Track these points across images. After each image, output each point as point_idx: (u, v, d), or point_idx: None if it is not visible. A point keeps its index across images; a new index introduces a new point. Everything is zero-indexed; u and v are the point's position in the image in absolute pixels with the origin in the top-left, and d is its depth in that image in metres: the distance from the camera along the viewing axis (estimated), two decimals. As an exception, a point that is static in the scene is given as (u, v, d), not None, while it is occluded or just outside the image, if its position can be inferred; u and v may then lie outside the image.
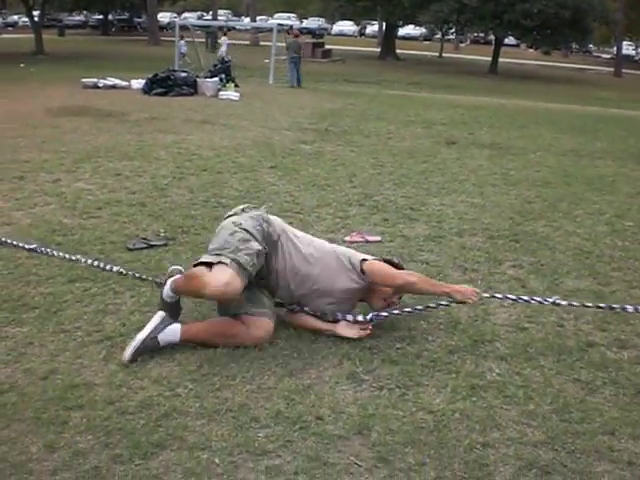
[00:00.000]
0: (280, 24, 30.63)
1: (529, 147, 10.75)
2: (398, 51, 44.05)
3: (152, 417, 3.03)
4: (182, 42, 25.17)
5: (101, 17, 56.59)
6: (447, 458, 2.90)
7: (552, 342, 3.97)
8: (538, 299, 4.13)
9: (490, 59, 39.07)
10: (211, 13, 51.84)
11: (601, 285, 5.04)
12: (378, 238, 5.65)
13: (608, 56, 63.96)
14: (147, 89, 15.63)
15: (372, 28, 66.28)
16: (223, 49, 27.77)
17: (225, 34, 31.16)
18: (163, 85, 15.63)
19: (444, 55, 48.17)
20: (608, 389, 3.53)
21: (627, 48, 59.79)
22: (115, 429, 2.94)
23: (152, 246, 5.14)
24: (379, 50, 45.34)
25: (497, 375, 3.57)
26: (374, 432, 3.00)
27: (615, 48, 51.43)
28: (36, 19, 32.41)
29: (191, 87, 16.06)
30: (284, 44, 23.07)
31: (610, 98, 25.64)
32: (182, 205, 6.31)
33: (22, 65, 23.18)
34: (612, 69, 47.21)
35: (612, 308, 4.17)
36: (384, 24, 47.04)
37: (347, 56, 39.58)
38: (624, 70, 46.22)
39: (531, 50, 52.38)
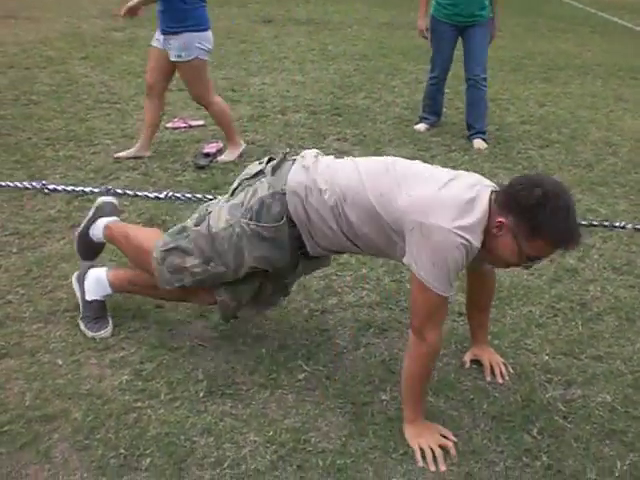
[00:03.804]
0: None
1: (345, 21, 10.75)
2: None
3: (-15, 327, 2.92)
4: None
5: None
6: (288, 328, 2.99)
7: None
8: None
9: None
10: None
11: (422, 151, 5.24)
12: (201, 122, 5.54)
13: None
14: None
15: None
16: None
17: None
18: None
19: None
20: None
21: None
22: (-54, 342, 2.81)
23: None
24: None
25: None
26: (214, 315, 3.01)
27: None
28: None
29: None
30: None
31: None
32: (-10, 105, 5.89)
33: None
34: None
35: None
36: None
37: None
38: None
39: None
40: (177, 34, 4.49)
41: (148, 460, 2.27)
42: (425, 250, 2.22)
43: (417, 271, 2.23)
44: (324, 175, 2.48)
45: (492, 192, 2.32)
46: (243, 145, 4.94)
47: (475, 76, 5.50)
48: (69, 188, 4.21)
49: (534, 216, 2.16)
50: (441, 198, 2.26)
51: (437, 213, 2.21)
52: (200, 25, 4.58)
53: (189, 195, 4.19)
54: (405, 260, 2.29)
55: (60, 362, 2.72)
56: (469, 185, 2.32)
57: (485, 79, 5.53)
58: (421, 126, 5.76)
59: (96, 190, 4.18)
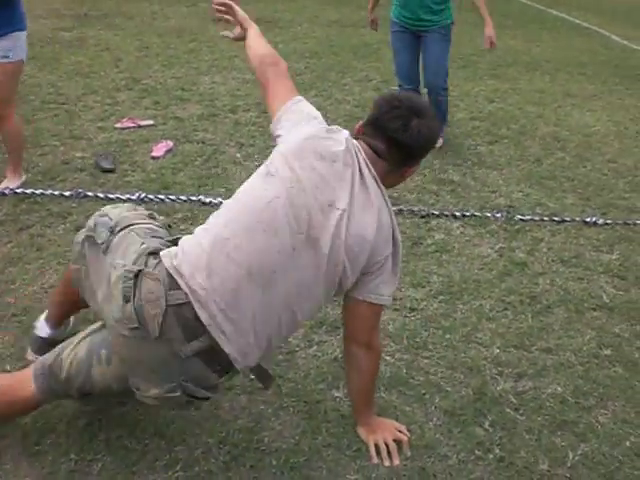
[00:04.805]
0: None
1: (295, 20, 10.73)
2: None
3: None
4: None
5: None
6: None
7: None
8: None
9: None
10: None
11: (373, 148, 5.24)
12: (151, 122, 5.48)
13: None
14: None
15: None
16: None
17: None
18: None
19: None
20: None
21: None
22: None
23: None
24: None
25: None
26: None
27: None
28: None
29: None
30: None
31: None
32: None
33: None
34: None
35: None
36: None
37: None
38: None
39: None
40: (6, 35, 3.85)
41: (100, 465, 2.25)
42: (394, 269, 2.19)
43: (383, 298, 2.18)
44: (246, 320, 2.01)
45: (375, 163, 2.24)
46: (24, 177, 4.35)
47: (434, 87, 5.21)
48: (38, 191, 4.17)
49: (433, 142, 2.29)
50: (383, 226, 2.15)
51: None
52: (23, 22, 4.00)
53: (162, 197, 4.17)
54: (373, 297, 2.17)
55: (8, 367, 2.67)
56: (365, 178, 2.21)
57: (445, 89, 5.27)
58: None
59: (66, 194, 4.13)
